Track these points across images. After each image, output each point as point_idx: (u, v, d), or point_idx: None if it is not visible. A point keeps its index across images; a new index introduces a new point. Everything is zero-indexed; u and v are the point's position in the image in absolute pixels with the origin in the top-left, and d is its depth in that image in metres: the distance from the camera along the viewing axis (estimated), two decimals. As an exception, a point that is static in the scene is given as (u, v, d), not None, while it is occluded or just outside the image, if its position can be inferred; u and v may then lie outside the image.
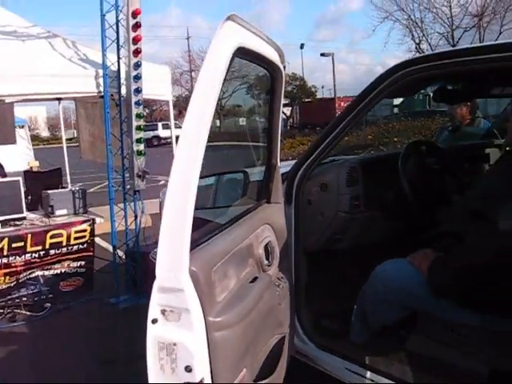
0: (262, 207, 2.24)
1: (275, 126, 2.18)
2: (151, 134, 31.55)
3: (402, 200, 2.60)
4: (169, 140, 21.79)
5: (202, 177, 1.41)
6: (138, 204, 4.68)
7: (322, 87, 38.74)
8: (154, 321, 1.44)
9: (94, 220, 4.83)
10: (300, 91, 35.99)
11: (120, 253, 5.07)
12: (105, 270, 5.23)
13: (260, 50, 1.68)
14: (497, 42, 2.02)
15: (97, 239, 5.26)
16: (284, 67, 2.05)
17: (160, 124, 33.76)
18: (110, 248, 5.07)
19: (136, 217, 4.71)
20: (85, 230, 4.70)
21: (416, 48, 23.65)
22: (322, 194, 2.56)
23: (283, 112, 38.05)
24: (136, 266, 4.75)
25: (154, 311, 1.44)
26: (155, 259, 1.39)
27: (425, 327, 2.33)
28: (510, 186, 1.84)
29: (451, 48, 2.73)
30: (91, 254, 4.82)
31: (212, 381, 1.47)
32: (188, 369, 1.43)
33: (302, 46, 41.01)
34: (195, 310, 1.43)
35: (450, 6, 22.40)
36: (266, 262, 1.99)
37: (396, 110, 42.74)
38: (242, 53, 1.51)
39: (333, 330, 2.60)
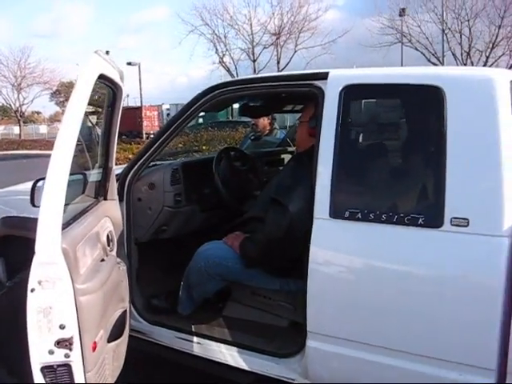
0: (100, 203, 2.62)
1: (113, 134, 2.59)
2: None
3: (216, 195, 3.20)
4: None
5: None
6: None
7: (127, 96, 38.56)
8: (33, 290, 1.78)
9: None
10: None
11: None
12: None
13: (110, 75, 2.11)
14: (277, 73, 2.73)
15: None
16: (123, 85, 2.47)
17: None
18: None
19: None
20: None
21: (220, 61, 25.07)
22: (150, 192, 3.00)
23: (90, 121, 36.93)
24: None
25: (32, 282, 1.77)
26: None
27: (237, 295, 2.94)
28: (296, 179, 2.52)
29: (255, 75, 3.31)
30: None
31: (80, 337, 1.85)
32: (62, 326, 1.80)
33: (107, 53, 40.29)
34: (66, 279, 1.80)
35: (251, 24, 24.25)
36: (108, 247, 2.39)
37: (201, 120, 44.20)
38: (100, 77, 1.93)
39: (162, 308, 3.06)
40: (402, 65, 25.64)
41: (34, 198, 2.78)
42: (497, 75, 2.11)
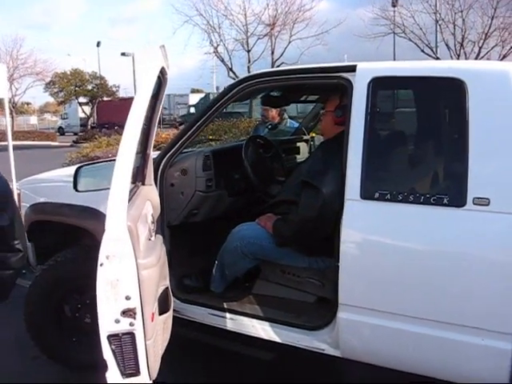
0: (140, 188, 2.79)
1: (154, 122, 2.75)
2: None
3: (243, 180, 3.38)
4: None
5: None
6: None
7: (118, 86, 38.44)
8: (102, 264, 1.95)
9: None
10: (100, 90, 35.37)
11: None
12: None
13: (164, 66, 2.29)
14: (303, 66, 2.90)
15: None
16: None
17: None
18: None
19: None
20: None
21: (214, 52, 25.06)
22: (182, 177, 3.17)
23: (84, 111, 37.01)
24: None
25: (101, 257, 1.95)
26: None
27: (266, 274, 3.13)
28: (327, 164, 2.71)
29: (283, 68, 3.45)
30: None
31: (141, 308, 2.03)
32: (127, 297, 1.98)
33: (98, 44, 40.43)
34: (131, 254, 1.98)
35: (245, 15, 24.21)
36: (152, 228, 2.56)
37: (192, 109, 44.21)
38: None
39: (194, 287, 3.25)
40: (394, 55, 25.92)
41: (77, 183, 2.95)
42: None
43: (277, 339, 2.83)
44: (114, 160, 3.15)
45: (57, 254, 3.40)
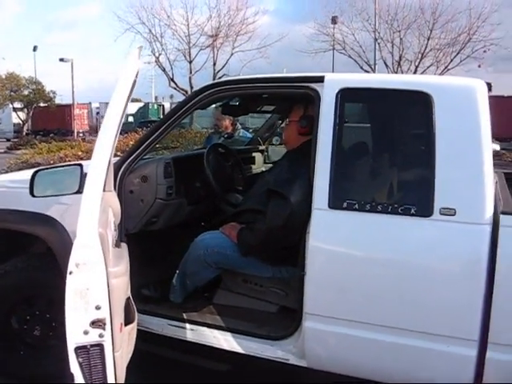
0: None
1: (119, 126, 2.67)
2: None
3: (204, 189, 3.34)
4: None
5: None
6: None
7: (54, 93, 37.18)
8: (71, 272, 1.86)
9: None
10: (37, 96, 34.15)
11: None
12: None
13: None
14: (270, 75, 2.90)
15: None
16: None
17: None
18: None
19: None
20: None
21: (156, 61, 24.83)
22: (142, 184, 3.09)
23: (19, 117, 35.53)
24: None
25: (71, 265, 1.86)
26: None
27: (227, 283, 3.09)
28: (294, 173, 2.71)
29: (250, 76, 3.43)
30: None
31: (111, 318, 1.95)
32: (97, 307, 1.90)
33: (34, 49, 39.27)
34: (101, 262, 1.90)
35: (188, 25, 24.16)
36: (115, 235, 2.48)
37: (131, 118, 43.54)
38: None
39: (151, 297, 3.16)
40: (333, 71, 26.56)
41: (33, 188, 2.82)
42: (476, 83, 2.41)
43: (239, 350, 2.79)
44: (73, 165, 3.08)
45: (4, 264, 3.23)
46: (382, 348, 2.43)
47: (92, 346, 1.91)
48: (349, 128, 2.57)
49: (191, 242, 3.26)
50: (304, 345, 2.58)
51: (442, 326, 2.32)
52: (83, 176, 2.86)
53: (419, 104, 2.43)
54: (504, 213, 2.27)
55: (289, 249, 2.74)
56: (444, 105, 2.37)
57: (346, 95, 2.53)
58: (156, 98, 48.26)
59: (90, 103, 46.52)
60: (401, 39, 22.95)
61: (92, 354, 1.92)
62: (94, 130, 38.66)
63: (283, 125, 4.40)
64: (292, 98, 3.10)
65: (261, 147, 4.43)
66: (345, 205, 2.44)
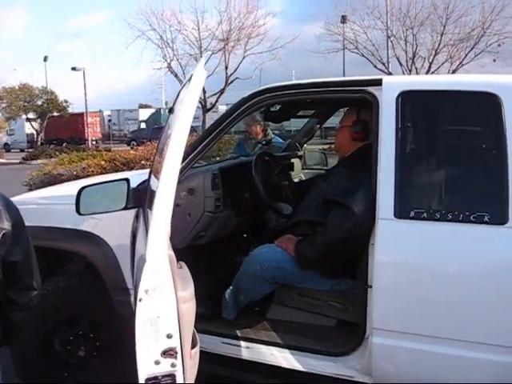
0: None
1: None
2: None
3: (252, 200, 3.21)
4: None
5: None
6: None
7: (67, 102, 37.30)
8: (140, 299, 1.74)
9: None
10: (51, 105, 34.30)
11: None
12: None
13: None
14: (322, 79, 2.77)
15: None
16: None
17: None
18: None
19: None
20: None
21: (167, 67, 24.79)
22: (189, 197, 2.97)
23: (33, 127, 35.69)
24: None
25: (140, 292, 1.74)
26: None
27: (281, 297, 2.96)
28: (354, 182, 2.58)
29: (304, 81, 3.34)
30: None
31: (181, 346, 1.83)
32: (169, 336, 1.77)
33: (45, 59, 39.44)
34: (171, 287, 1.78)
35: (199, 30, 24.07)
36: None
37: (143, 125, 43.62)
38: None
39: (202, 314, 3.03)
40: (343, 70, 26.42)
41: (79, 206, 2.72)
42: None
43: (299, 367, 2.66)
44: (116, 181, 2.98)
45: (46, 283, 3.13)
46: (452, 362, 2.30)
47: (163, 376, 1.79)
48: (412, 132, 2.43)
49: (239, 255, 3.15)
50: (372, 361, 2.45)
51: None
52: (130, 191, 2.78)
53: (487, 106, 2.29)
54: None
55: (349, 261, 2.61)
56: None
57: (407, 98, 2.40)
58: (166, 103, 48.30)
59: (101, 111, 46.74)
60: (414, 36, 22.69)
61: (163, 385, 1.80)
62: (107, 137, 38.80)
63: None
64: (345, 102, 2.98)
65: (299, 153, 4.30)
66: (412, 214, 2.31)
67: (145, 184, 2.80)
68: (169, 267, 1.76)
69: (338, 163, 3.05)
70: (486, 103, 2.31)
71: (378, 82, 2.49)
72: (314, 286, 2.80)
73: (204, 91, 24.42)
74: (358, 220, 2.46)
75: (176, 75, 24.93)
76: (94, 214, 2.85)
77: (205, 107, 24.72)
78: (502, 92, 2.26)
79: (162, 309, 1.76)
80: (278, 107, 3.42)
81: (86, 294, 3.12)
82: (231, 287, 2.92)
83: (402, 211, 2.33)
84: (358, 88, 2.59)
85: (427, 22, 22.22)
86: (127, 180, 2.76)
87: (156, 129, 27.36)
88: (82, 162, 8.61)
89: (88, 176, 7.02)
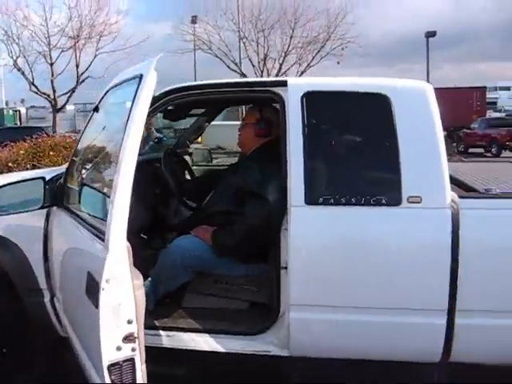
0: None
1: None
2: None
3: (166, 193, 3.34)
4: None
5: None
6: None
7: None
8: (103, 289, 1.83)
9: None
10: None
11: None
12: None
13: None
14: (232, 80, 2.99)
15: None
16: None
17: None
18: None
19: None
20: None
21: (14, 64, 23.05)
22: None
23: None
24: None
25: (102, 282, 1.83)
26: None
27: (196, 285, 3.12)
28: (263, 174, 2.84)
29: (211, 81, 3.38)
30: None
31: (138, 331, 1.94)
32: (129, 321, 1.88)
33: None
34: (129, 276, 1.89)
35: (47, 26, 22.73)
36: None
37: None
38: None
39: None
40: (195, 70, 26.85)
41: None
42: (427, 85, 2.74)
43: (221, 349, 2.84)
44: (30, 179, 2.92)
45: None
46: (364, 328, 2.67)
47: (124, 361, 1.89)
48: (317, 128, 2.74)
49: (149, 248, 3.26)
50: (289, 335, 2.72)
51: (416, 300, 2.60)
52: (47, 190, 2.76)
53: (380, 105, 2.69)
54: (462, 197, 2.63)
55: (263, 246, 2.87)
56: (401, 104, 2.66)
57: (311, 98, 2.71)
58: (7, 103, 44.70)
59: None
60: (265, 38, 23.82)
61: (125, 370, 1.90)
62: None
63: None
64: (244, 101, 3.21)
65: (189, 150, 4.47)
66: (321, 200, 2.63)
67: (60, 182, 2.80)
68: (127, 257, 1.87)
69: (245, 158, 3.27)
70: (379, 103, 2.70)
71: (284, 83, 2.77)
72: (230, 272, 3.02)
73: (54, 90, 23.23)
74: (273, 208, 2.72)
75: (23, 73, 23.30)
76: (5, 215, 2.77)
77: (55, 107, 23.50)
78: (391, 93, 2.67)
79: (123, 296, 1.87)
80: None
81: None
82: (149, 279, 3.02)
83: (312, 198, 2.63)
84: (264, 88, 2.84)
85: (277, 25, 23.50)
86: (43, 178, 2.74)
87: (8, 129, 24.01)
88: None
89: None
